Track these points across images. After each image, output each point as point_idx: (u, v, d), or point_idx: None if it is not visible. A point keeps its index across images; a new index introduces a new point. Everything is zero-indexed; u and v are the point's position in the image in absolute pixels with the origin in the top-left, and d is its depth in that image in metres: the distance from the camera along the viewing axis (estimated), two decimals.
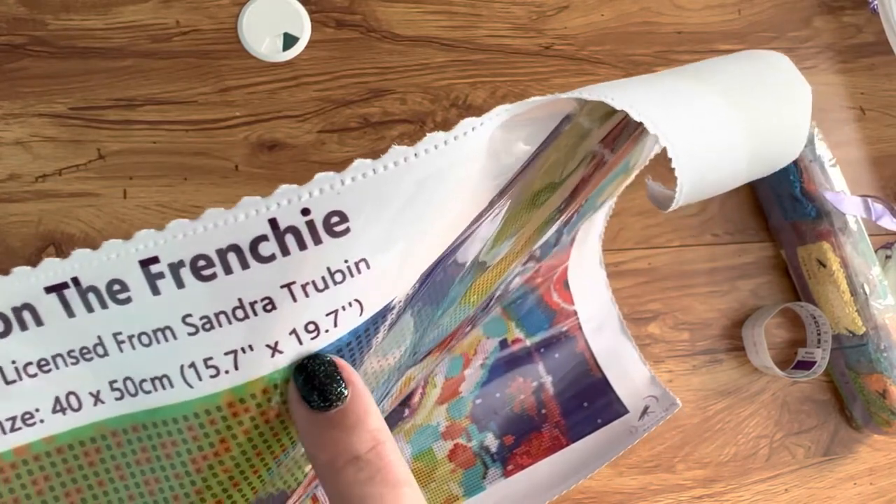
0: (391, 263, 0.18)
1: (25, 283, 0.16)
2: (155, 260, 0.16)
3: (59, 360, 0.17)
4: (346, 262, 0.17)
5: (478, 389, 0.40)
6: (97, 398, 0.17)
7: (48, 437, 0.17)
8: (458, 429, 0.39)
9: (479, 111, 0.43)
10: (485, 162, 0.17)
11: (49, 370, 0.17)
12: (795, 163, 0.42)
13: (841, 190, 0.42)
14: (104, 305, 0.16)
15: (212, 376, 0.17)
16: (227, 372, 0.17)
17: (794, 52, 0.47)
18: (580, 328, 0.41)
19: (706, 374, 0.45)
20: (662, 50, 0.46)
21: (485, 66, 0.44)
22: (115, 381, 0.17)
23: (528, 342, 0.41)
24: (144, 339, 0.17)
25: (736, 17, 0.47)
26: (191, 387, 0.17)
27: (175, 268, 0.16)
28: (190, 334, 0.17)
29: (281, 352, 0.17)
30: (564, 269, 0.40)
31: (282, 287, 0.16)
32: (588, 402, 0.41)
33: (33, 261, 0.39)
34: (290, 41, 0.41)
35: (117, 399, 0.17)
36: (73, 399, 0.17)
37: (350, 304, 0.18)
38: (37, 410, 0.17)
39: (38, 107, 0.40)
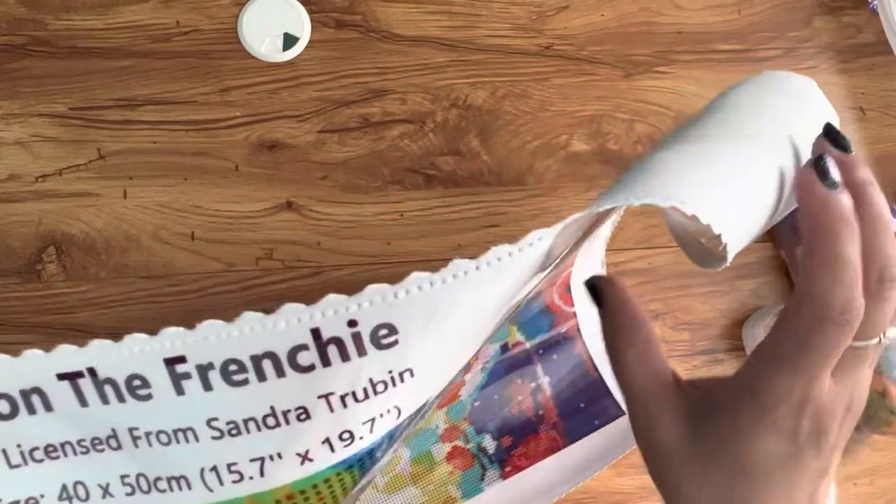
0: (435, 368, 0.17)
1: (37, 366, 0.15)
2: (182, 360, 0.15)
3: (67, 447, 0.16)
4: (390, 372, 0.16)
5: (477, 392, 0.40)
6: (106, 491, 0.17)
7: None
8: (456, 431, 0.39)
9: (479, 111, 0.43)
10: (537, 262, 0.17)
11: (57, 457, 0.16)
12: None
13: None
14: (121, 399, 0.15)
15: (234, 481, 0.16)
16: (251, 478, 0.16)
17: (794, 52, 0.47)
18: (579, 330, 0.41)
19: (706, 374, 0.45)
20: (662, 50, 0.46)
21: (485, 66, 0.44)
22: (126, 476, 0.17)
23: (527, 345, 0.41)
24: (163, 438, 0.16)
25: (736, 17, 0.47)
26: (210, 490, 0.17)
27: (203, 370, 0.15)
28: (214, 438, 0.16)
29: (311, 460, 0.17)
30: (568, 273, 0.40)
31: (319, 397, 0.16)
32: (585, 403, 0.41)
33: (33, 260, 0.39)
34: (290, 41, 0.41)
35: (128, 494, 0.17)
36: (80, 489, 0.17)
37: (389, 411, 0.17)
38: (42, 496, 0.16)
39: (38, 107, 0.40)
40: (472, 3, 0.44)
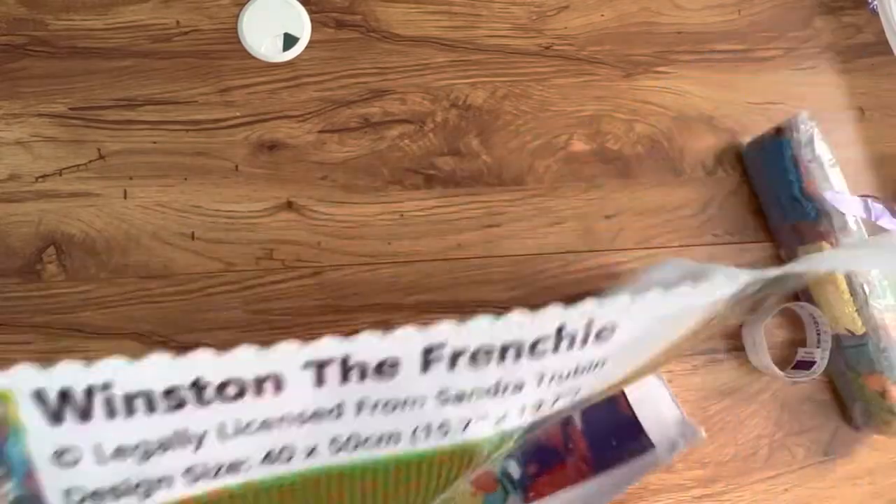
0: (615, 371, 0.19)
1: (287, 359, 0.16)
2: (441, 346, 0.16)
3: (284, 421, 0.17)
4: (592, 362, 0.18)
5: None
6: (311, 452, 0.18)
7: (249, 483, 0.18)
8: (489, 478, 0.40)
9: (479, 111, 0.43)
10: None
11: (270, 428, 0.17)
12: (795, 163, 0.42)
13: (840, 190, 0.42)
14: (362, 379, 0.16)
15: (440, 437, 0.18)
16: (454, 433, 0.18)
17: (794, 52, 0.47)
18: None
19: (706, 373, 0.45)
20: (662, 50, 0.46)
21: (485, 66, 0.44)
22: (336, 439, 0.18)
23: None
24: (391, 405, 0.17)
25: (736, 17, 0.47)
26: (415, 445, 0.18)
27: (456, 355, 0.16)
28: (439, 405, 0.17)
29: (505, 419, 0.19)
30: None
31: (536, 375, 0.18)
32: (616, 439, 0.41)
33: (33, 260, 0.39)
34: (290, 41, 0.41)
35: (332, 453, 0.18)
36: (285, 453, 0.17)
37: (569, 392, 0.19)
38: (246, 460, 0.17)
39: (38, 107, 0.40)
40: (472, 3, 0.44)
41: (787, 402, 0.46)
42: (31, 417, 0.15)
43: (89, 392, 0.15)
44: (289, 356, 0.15)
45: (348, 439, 0.18)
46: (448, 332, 0.16)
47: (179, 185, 0.40)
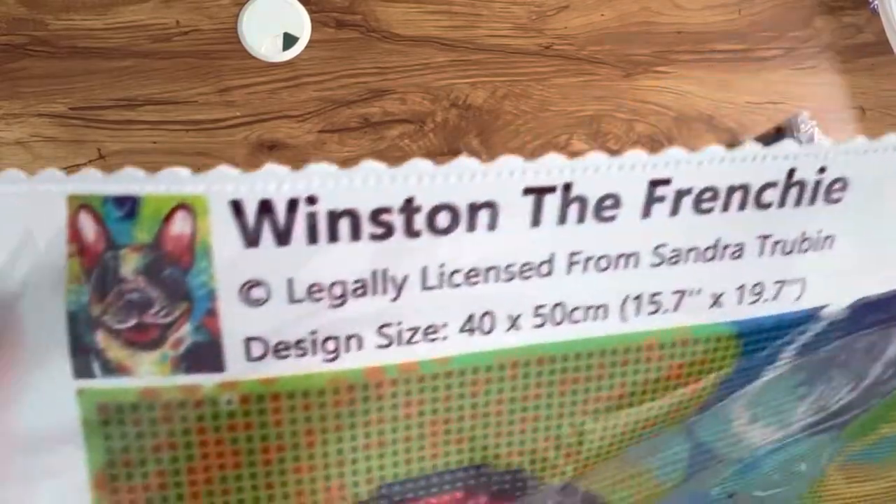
0: (848, 260, 0.16)
1: (508, 179, 0.13)
2: (666, 182, 0.14)
3: (491, 273, 0.14)
4: (819, 232, 0.15)
5: None
6: (514, 323, 0.15)
7: (443, 359, 0.15)
8: None
9: (479, 111, 0.43)
10: None
11: (476, 283, 0.14)
12: None
13: None
14: (581, 220, 0.14)
15: (649, 313, 0.15)
16: (664, 311, 0.15)
17: (795, 52, 0.47)
18: None
19: None
20: (662, 50, 0.46)
21: (485, 65, 0.44)
22: (542, 307, 0.15)
23: None
24: (602, 263, 0.14)
25: (736, 16, 0.47)
26: (624, 321, 0.15)
27: (680, 195, 0.14)
28: (652, 265, 0.15)
29: (720, 305, 0.16)
30: None
31: (757, 237, 0.15)
32: None
33: None
34: (290, 41, 0.41)
35: (536, 326, 0.15)
36: (486, 320, 0.15)
37: (795, 281, 0.16)
38: (444, 325, 0.14)
39: (38, 107, 0.40)
40: (472, 3, 0.44)
41: None
42: (223, 236, 0.12)
43: (292, 206, 0.12)
44: (509, 177, 0.13)
45: (553, 308, 0.15)
46: (676, 162, 0.14)
47: None
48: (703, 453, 0.19)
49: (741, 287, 0.16)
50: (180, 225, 0.12)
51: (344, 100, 0.42)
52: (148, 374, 0.13)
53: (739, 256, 0.15)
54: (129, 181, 0.12)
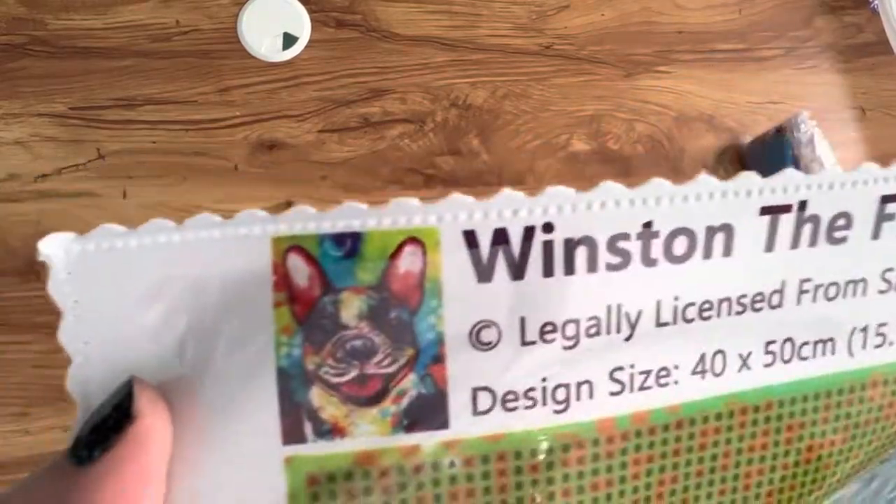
0: None
1: (744, 200, 0.12)
2: (894, 197, 0.13)
3: (724, 306, 0.13)
4: None
5: None
6: (745, 362, 0.14)
7: (674, 406, 0.13)
8: None
9: (479, 111, 0.43)
10: None
11: (709, 318, 0.13)
12: (796, 162, 0.42)
13: None
14: (813, 243, 0.13)
15: (876, 346, 0.14)
16: (890, 344, 0.14)
17: (795, 52, 0.47)
18: None
19: None
20: (663, 49, 0.45)
21: (485, 65, 0.44)
22: (772, 342, 0.14)
23: None
24: (831, 292, 0.14)
25: (737, 16, 0.47)
26: (851, 355, 0.14)
27: None
28: (881, 292, 0.14)
29: None
30: None
31: None
32: None
33: (32, 260, 0.39)
34: (289, 41, 0.41)
35: (766, 366, 0.14)
36: (718, 360, 0.13)
37: None
38: (675, 368, 0.13)
39: (37, 106, 0.39)
40: (472, 3, 0.44)
41: None
42: (455, 271, 0.11)
43: (528, 235, 0.12)
44: (747, 197, 0.12)
45: (783, 344, 0.14)
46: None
47: (179, 185, 0.40)
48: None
49: None
50: (409, 261, 0.11)
51: (344, 99, 0.42)
52: (366, 434, 0.11)
53: None
54: (351, 216, 0.11)
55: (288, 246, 0.11)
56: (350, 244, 0.11)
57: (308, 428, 0.11)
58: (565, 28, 0.45)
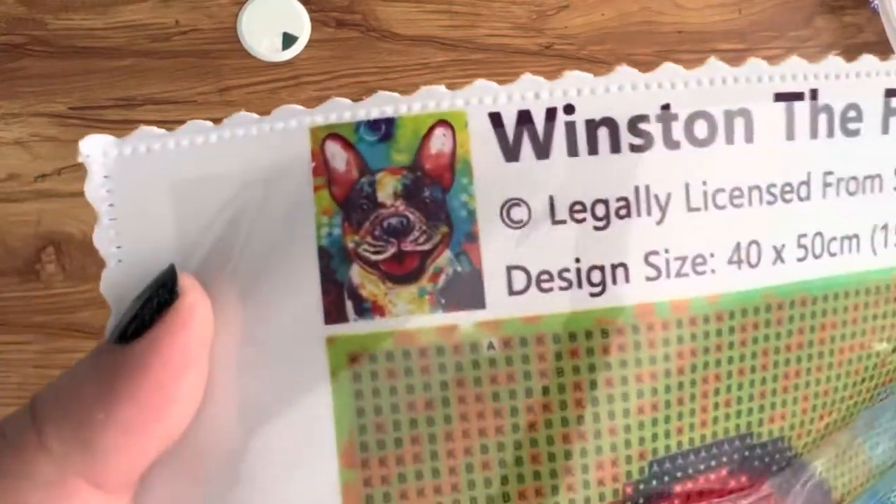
0: None
1: (756, 85, 0.13)
2: None
3: (755, 193, 0.13)
4: None
5: None
6: (779, 255, 0.14)
7: (713, 296, 0.13)
8: None
9: None
10: None
11: (741, 205, 0.13)
12: None
13: None
14: (830, 133, 0.13)
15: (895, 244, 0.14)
16: None
17: (795, 52, 0.47)
18: None
19: None
20: (663, 49, 0.45)
21: (485, 65, 0.44)
22: (804, 236, 0.14)
23: None
24: (852, 186, 0.14)
25: (737, 16, 0.47)
26: (875, 254, 0.14)
27: None
28: (895, 188, 0.14)
29: None
30: None
31: None
32: None
33: (32, 260, 0.39)
34: (289, 41, 0.41)
35: (799, 260, 0.14)
36: (753, 250, 0.13)
37: None
38: (711, 256, 0.13)
39: (37, 106, 0.39)
40: (472, 3, 0.44)
41: None
42: (483, 150, 0.12)
43: (550, 116, 0.12)
44: (758, 83, 0.13)
45: (814, 237, 0.14)
46: None
47: None
48: None
49: None
50: (440, 141, 0.12)
51: None
52: (405, 312, 0.12)
53: None
54: (384, 103, 0.11)
55: (326, 134, 0.12)
56: (384, 129, 0.11)
57: (349, 306, 0.11)
58: (565, 28, 0.45)
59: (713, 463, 0.13)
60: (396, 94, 0.11)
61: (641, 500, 0.13)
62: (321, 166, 0.12)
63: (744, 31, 0.47)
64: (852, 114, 0.13)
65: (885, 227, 0.14)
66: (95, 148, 0.11)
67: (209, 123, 0.12)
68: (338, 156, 0.12)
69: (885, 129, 0.14)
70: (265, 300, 0.12)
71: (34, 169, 0.39)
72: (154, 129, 0.12)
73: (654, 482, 0.13)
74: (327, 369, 0.11)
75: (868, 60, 0.13)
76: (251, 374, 0.12)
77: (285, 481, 0.11)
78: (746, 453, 0.14)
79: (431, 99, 0.11)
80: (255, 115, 0.12)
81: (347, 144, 0.12)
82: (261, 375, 0.12)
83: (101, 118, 0.40)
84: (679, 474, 0.13)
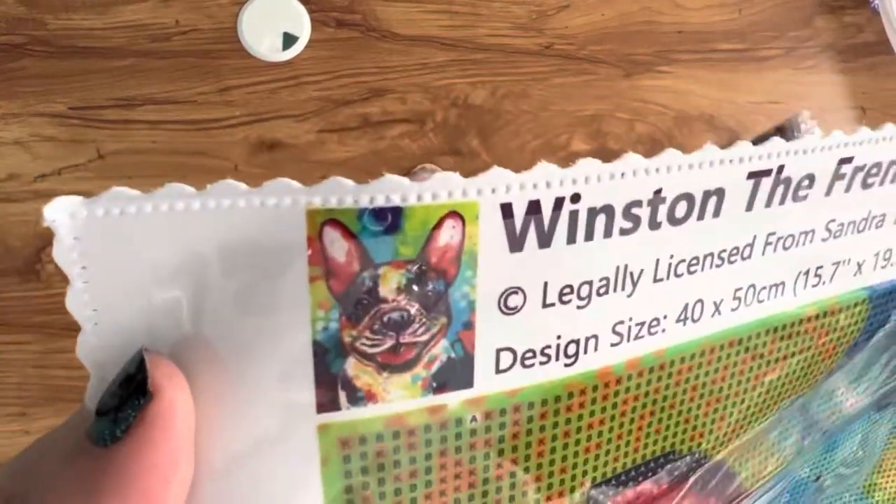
0: None
1: (730, 167, 0.13)
2: (849, 160, 0.15)
3: (708, 259, 0.14)
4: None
5: None
6: (717, 308, 0.15)
7: (659, 351, 0.15)
8: None
9: (479, 111, 0.43)
10: None
11: (695, 272, 0.14)
12: None
13: None
14: (782, 202, 0.15)
15: (812, 286, 0.16)
16: (824, 283, 0.16)
17: (795, 52, 0.47)
18: None
19: None
20: (663, 49, 0.45)
21: (485, 65, 0.44)
22: (739, 289, 0.15)
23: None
24: (788, 242, 0.15)
25: (737, 16, 0.47)
26: (795, 295, 0.16)
27: (856, 171, 0.15)
28: (823, 240, 0.16)
29: (860, 273, 0.17)
30: None
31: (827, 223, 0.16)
32: None
33: (32, 260, 0.39)
34: (289, 41, 0.41)
35: (733, 310, 0.16)
36: (697, 308, 0.15)
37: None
38: (664, 318, 0.14)
39: (37, 106, 0.39)
40: (472, 3, 0.44)
41: None
42: (491, 242, 0.11)
43: (557, 205, 0.12)
44: (739, 164, 0.14)
45: (748, 289, 0.15)
46: (859, 142, 0.14)
47: None
48: (809, 426, 0.20)
49: (877, 254, 0.17)
50: (449, 234, 0.11)
51: (344, 99, 0.42)
52: (397, 398, 0.12)
53: (881, 226, 0.16)
54: (392, 189, 0.10)
55: (324, 220, 0.11)
56: (391, 219, 0.11)
57: (342, 396, 0.11)
58: (565, 28, 0.45)
59: (641, 478, 0.16)
60: (406, 181, 0.10)
61: None
62: (318, 255, 0.11)
63: (744, 31, 0.47)
64: (805, 182, 0.15)
65: (807, 272, 0.16)
66: (62, 211, 0.10)
67: (191, 189, 0.11)
68: (337, 245, 0.11)
69: (829, 192, 0.15)
70: (255, 385, 0.11)
71: (34, 169, 0.39)
72: (128, 191, 0.11)
73: (590, 502, 0.15)
74: (318, 457, 0.12)
75: (835, 135, 0.14)
76: (240, 464, 0.11)
77: None
78: (669, 466, 0.16)
79: (443, 188, 0.11)
80: (244, 186, 0.10)
81: (349, 233, 0.11)
82: (250, 465, 0.11)
83: (101, 118, 0.40)
84: (611, 492, 0.15)
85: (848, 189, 0.15)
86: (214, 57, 0.41)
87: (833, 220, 0.16)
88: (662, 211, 0.13)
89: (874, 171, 0.15)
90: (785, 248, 0.15)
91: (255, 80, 0.41)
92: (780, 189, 0.14)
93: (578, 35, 0.45)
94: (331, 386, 0.11)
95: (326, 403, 0.11)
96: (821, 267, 0.16)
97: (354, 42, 0.42)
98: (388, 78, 0.42)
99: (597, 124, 0.44)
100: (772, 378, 0.17)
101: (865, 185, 0.15)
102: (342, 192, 0.10)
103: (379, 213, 0.11)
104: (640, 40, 0.45)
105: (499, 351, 0.12)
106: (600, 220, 0.13)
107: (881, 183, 0.16)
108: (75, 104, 0.40)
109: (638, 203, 0.13)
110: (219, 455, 0.11)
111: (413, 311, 0.11)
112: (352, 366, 0.11)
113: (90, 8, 0.40)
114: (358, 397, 0.11)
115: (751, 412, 0.17)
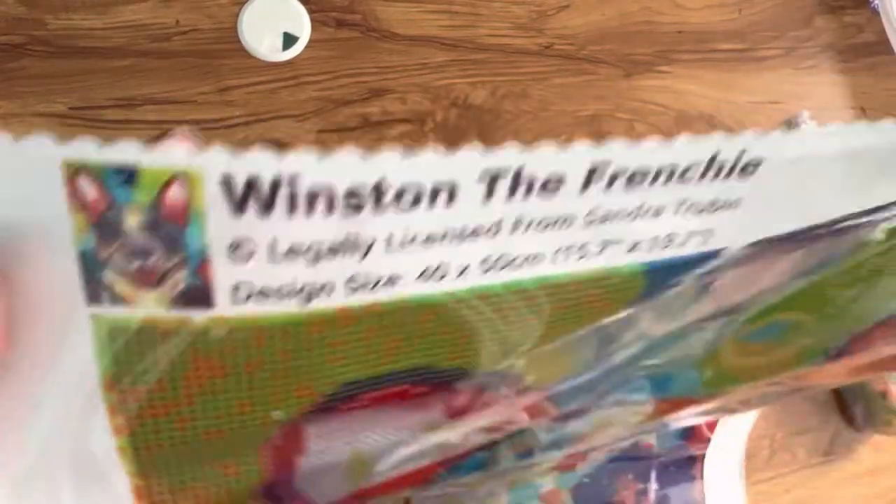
0: (749, 225, 0.18)
1: (468, 164, 0.16)
2: (606, 164, 0.16)
3: (446, 237, 0.17)
4: (729, 199, 0.18)
5: (591, 469, 0.40)
6: (463, 271, 0.18)
7: (401, 299, 0.17)
8: (556, 498, 0.40)
9: (479, 111, 0.43)
10: None
11: (432, 245, 0.17)
12: None
13: None
14: (527, 196, 0.16)
15: (577, 258, 0.18)
16: (589, 257, 0.18)
17: (795, 52, 0.47)
18: (704, 456, 0.42)
19: None
20: (663, 49, 0.45)
21: (485, 65, 0.44)
22: (487, 259, 0.18)
23: (654, 449, 0.41)
24: (542, 225, 0.18)
25: (736, 16, 0.47)
26: (555, 266, 0.18)
27: (615, 175, 0.16)
28: (585, 224, 0.17)
29: (636, 251, 0.18)
30: None
31: (676, 201, 0.17)
32: None
33: None
34: (289, 41, 0.41)
35: (483, 272, 0.18)
36: (439, 271, 0.17)
37: (704, 232, 0.18)
38: (402, 277, 0.17)
39: (37, 106, 0.39)
40: (472, 3, 0.44)
41: (787, 402, 0.46)
42: (214, 204, 0.14)
43: (275, 184, 0.15)
44: (468, 164, 0.16)
45: (497, 259, 0.17)
46: (617, 151, 0.15)
47: None
48: (607, 339, 0.23)
49: (655, 238, 0.18)
50: (176, 192, 0.14)
51: (344, 99, 0.42)
52: (149, 305, 0.14)
53: (658, 215, 0.18)
54: (128, 153, 0.13)
55: (77, 168, 0.13)
56: (128, 175, 0.13)
57: (105, 295, 0.14)
58: (565, 28, 0.45)
59: (397, 381, 0.19)
60: (140, 146, 0.13)
61: (333, 402, 0.18)
62: (74, 194, 0.13)
63: (744, 31, 0.47)
64: (554, 182, 0.16)
65: (569, 248, 0.18)
66: None
67: None
68: (88, 189, 0.13)
69: (584, 189, 0.16)
70: (34, 286, 0.14)
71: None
72: None
73: (343, 393, 0.18)
74: (92, 334, 0.15)
75: (579, 146, 0.16)
76: (23, 353, 0.14)
77: (63, 387, 0.15)
78: (427, 375, 0.19)
79: (171, 157, 0.13)
80: (9, 139, 0.12)
81: (97, 180, 0.13)
82: (33, 353, 0.15)
83: (101, 118, 0.40)
84: (366, 388, 0.18)
85: (609, 188, 0.16)
86: (215, 57, 0.41)
87: (598, 208, 0.17)
88: (388, 198, 0.15)
89: (638, 177, 0.16)
90: (540, 230, 0.17)
91: (254, 80, 0.41)
92: (522, 188, 0.16)
93: (578, 35, 0.45)
94: (95, 285, 0.14)
95: (94, 297, 0.14)
96: (586, 244, 0.18)
97: (354, 42, 0.42)
98: (388, 78, 0.42)
99: (597, 124, 0.44)
100: (540, 322, 0.19)
101: (630, 187, 0.16)
102: (89, 151, 0.13)
103: (118, 170, 0.13)
104: (640, 40, 0.45)
105: (236, 285, 0.15)
106: (322, 200, 0.15)
107: (651, 184, 0.17)
108: (75, 104, 0.40)
109: (359, 189, 0.15)
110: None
111: (153, 245, 0.14)
112: (109, 276, 0.14)
113: (90, 8, 0.40)
114: (117, 298, 0.14)
115: (527, 347, 0.19)
